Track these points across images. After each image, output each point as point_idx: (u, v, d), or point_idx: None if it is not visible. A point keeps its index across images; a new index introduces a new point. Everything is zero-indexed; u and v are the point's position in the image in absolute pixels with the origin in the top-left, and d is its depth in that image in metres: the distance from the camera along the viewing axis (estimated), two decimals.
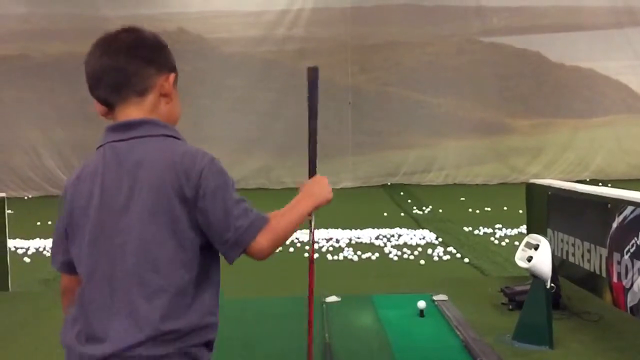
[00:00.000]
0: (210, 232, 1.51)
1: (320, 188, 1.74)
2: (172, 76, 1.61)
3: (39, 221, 9.14)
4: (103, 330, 1.49)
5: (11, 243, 7.15)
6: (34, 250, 6.98)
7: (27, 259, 6.55)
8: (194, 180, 1.49)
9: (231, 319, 3.80)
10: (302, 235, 7.38)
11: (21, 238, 7.47)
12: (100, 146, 1.57)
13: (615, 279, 3.89)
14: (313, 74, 2.10)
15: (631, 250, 3.71)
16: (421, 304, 4.08)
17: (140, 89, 1.57)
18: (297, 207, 1.65)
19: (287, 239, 1.61)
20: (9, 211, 10.28)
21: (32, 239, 7.58)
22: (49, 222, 9.09)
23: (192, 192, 1.49)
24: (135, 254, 1.49)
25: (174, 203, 1.49)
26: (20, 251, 6.90)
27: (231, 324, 3.92)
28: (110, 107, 1.59)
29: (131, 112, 1.57)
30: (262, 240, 1.52)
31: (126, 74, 1.56)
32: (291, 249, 6.60)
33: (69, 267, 1.60)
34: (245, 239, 1.51)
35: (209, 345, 1.56)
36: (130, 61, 1.56)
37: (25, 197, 12.57)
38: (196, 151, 1.54)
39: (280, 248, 1.63)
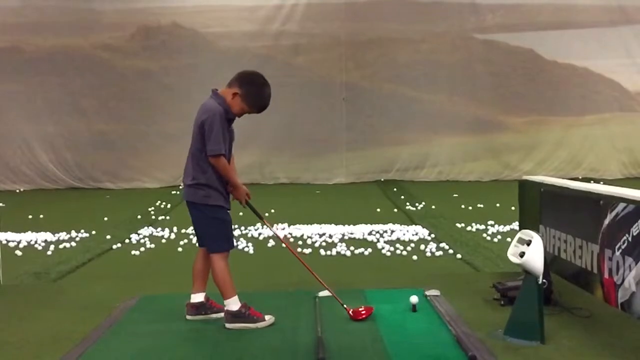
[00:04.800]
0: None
1: (239, 194, 4.02)
2: (233, 91, 3.95)
3: (30, 214, 9.09)
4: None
5: (3, 236, 7.13)
6: (26, 244, 6.94)
7: (18, 252, 6.52)
8: (203, 118, 3.86)
9: None
10: (280, 231, 7.40)
11: (13, 231, 7.43)
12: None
13: (606, 275, 3.91)
14: None
15: (622, 247, 3.73)
16: (413, 299, 4.10)
17: (229, 86, 4.00)
18: (231, 179, 3.97)
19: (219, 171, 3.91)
20: (1, 204, 10.22)
21: (24, 232, 7.53)
22: (41, 216, 9.05)
23: (201, 123, 3.87)
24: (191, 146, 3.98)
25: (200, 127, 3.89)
26: (11, 244, 6.86)
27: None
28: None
29: (221, 89, 4.01)
30: (213, 161, 3.86)
31: (230, 81, 4.03)
32: (271, 242, 6.59)
33: None
34: (210, 155, 3.85)
35: (218, 190, 3.92)
36: (234, 79, 4.03)
37: (17, 191, 12.51)
38: (211, 106, 3.89)
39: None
